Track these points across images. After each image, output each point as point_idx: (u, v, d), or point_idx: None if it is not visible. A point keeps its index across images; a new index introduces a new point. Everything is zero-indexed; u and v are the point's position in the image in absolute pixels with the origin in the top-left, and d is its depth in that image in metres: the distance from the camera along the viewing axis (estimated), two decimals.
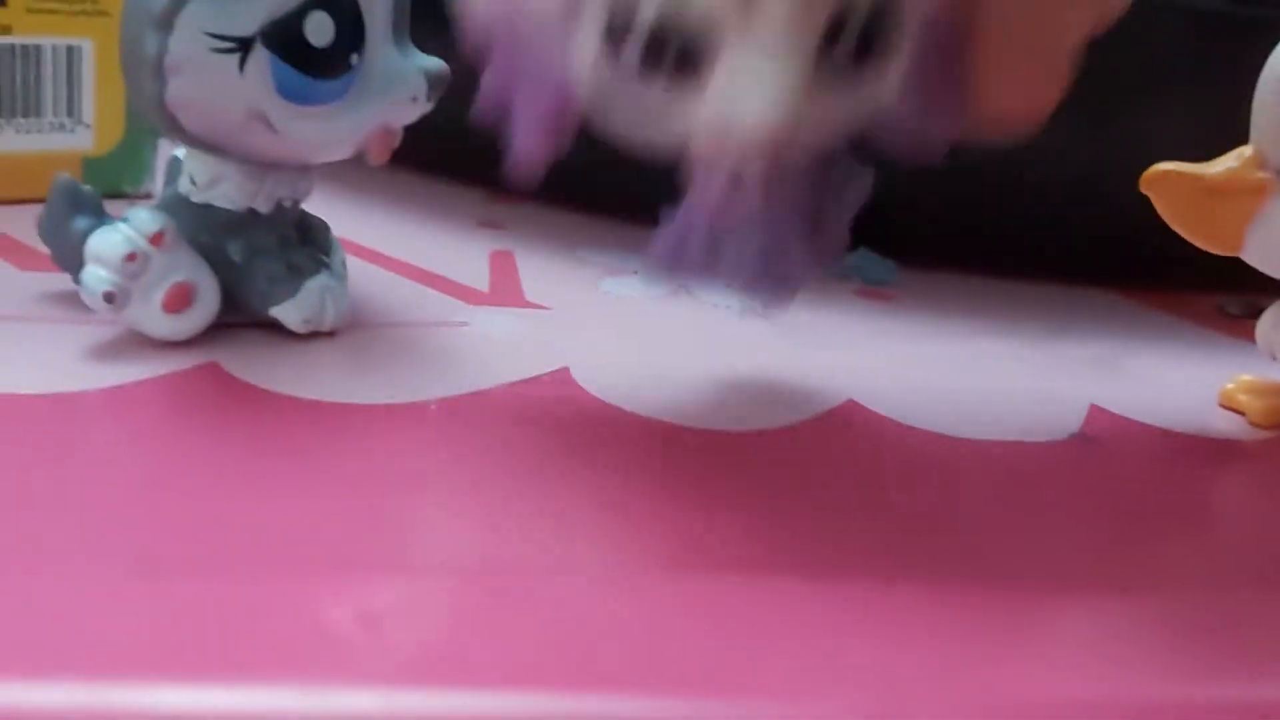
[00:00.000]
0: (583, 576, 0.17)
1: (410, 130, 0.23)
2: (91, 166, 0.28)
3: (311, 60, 0.20)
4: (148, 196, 0.29)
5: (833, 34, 0.17)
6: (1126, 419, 0.24)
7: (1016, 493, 0.21)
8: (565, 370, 0.23)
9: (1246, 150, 0.23)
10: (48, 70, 0.27)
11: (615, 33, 0.17)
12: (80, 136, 0.28)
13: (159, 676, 0.13)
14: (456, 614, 0.16)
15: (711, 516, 0.18)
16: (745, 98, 0.16)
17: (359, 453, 0.19)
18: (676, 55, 0.17)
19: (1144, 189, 0.23)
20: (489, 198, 0.33)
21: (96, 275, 0.21)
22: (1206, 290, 0.33)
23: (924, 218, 0.30)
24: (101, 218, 0.22)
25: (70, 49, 0.27)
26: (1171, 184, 0.23)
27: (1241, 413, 0.25)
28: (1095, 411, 0.24)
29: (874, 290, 0.31)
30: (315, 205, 0.24)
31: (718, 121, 0.16)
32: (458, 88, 0.22)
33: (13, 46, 0.27)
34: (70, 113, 0.28)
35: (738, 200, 0.19)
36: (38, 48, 0.27)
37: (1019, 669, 0.16)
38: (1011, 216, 0.27)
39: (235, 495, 0.17)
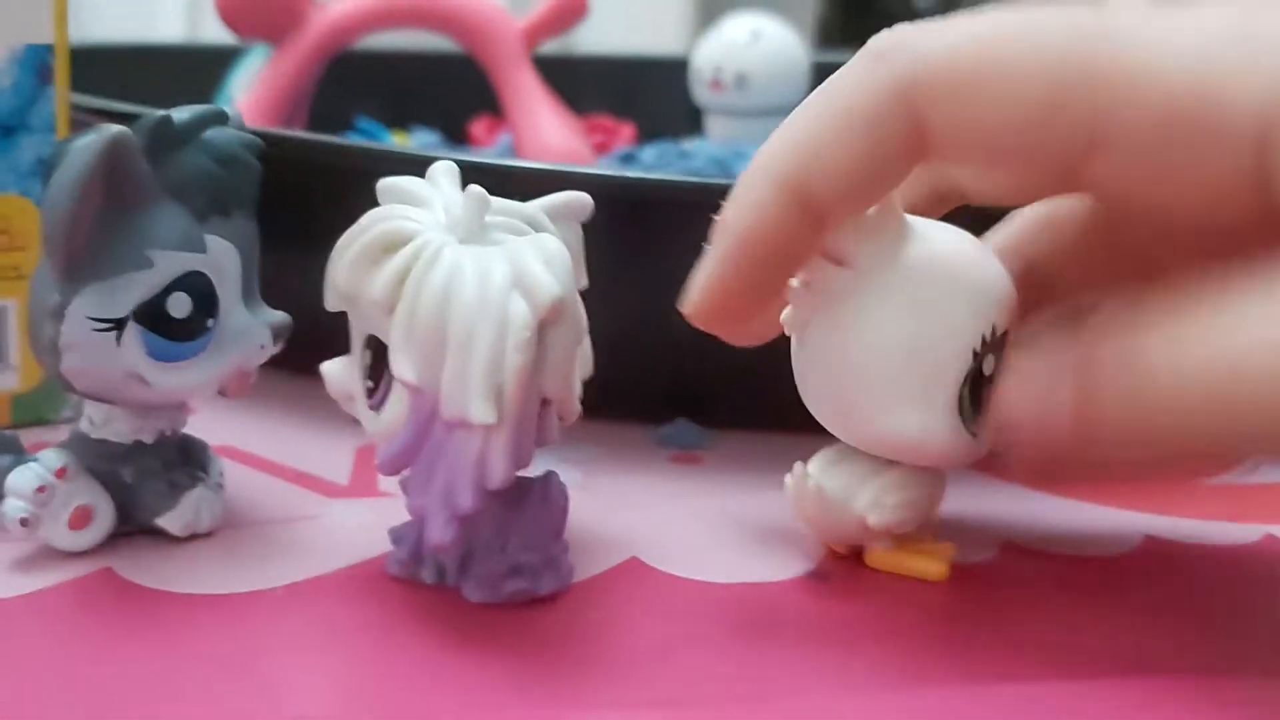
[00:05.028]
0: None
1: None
2: (18, 401, 0.34)
3: (173, 329, 0.26)
4: (68, 421, 0.35)
5: None
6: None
7: (751, 620, 0.27)
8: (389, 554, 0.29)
9: None
10: None
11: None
12: (7, 378, 0.34)
13: None
14: None
15: (483, 670, 0.24)
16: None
17: (220, 638, 0.25)
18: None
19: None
20: None
21: (14, 505, 0.26)
22: None
23: (736, 386, 0.36)
24: (20, 455, 0.28)
25: None
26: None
27: None
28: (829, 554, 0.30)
29: (686, 455, 0.36)
30: (210, 414, 0.29)
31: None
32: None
33: None
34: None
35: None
36: None
37: None
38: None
39: (120, 679, 0.23)
